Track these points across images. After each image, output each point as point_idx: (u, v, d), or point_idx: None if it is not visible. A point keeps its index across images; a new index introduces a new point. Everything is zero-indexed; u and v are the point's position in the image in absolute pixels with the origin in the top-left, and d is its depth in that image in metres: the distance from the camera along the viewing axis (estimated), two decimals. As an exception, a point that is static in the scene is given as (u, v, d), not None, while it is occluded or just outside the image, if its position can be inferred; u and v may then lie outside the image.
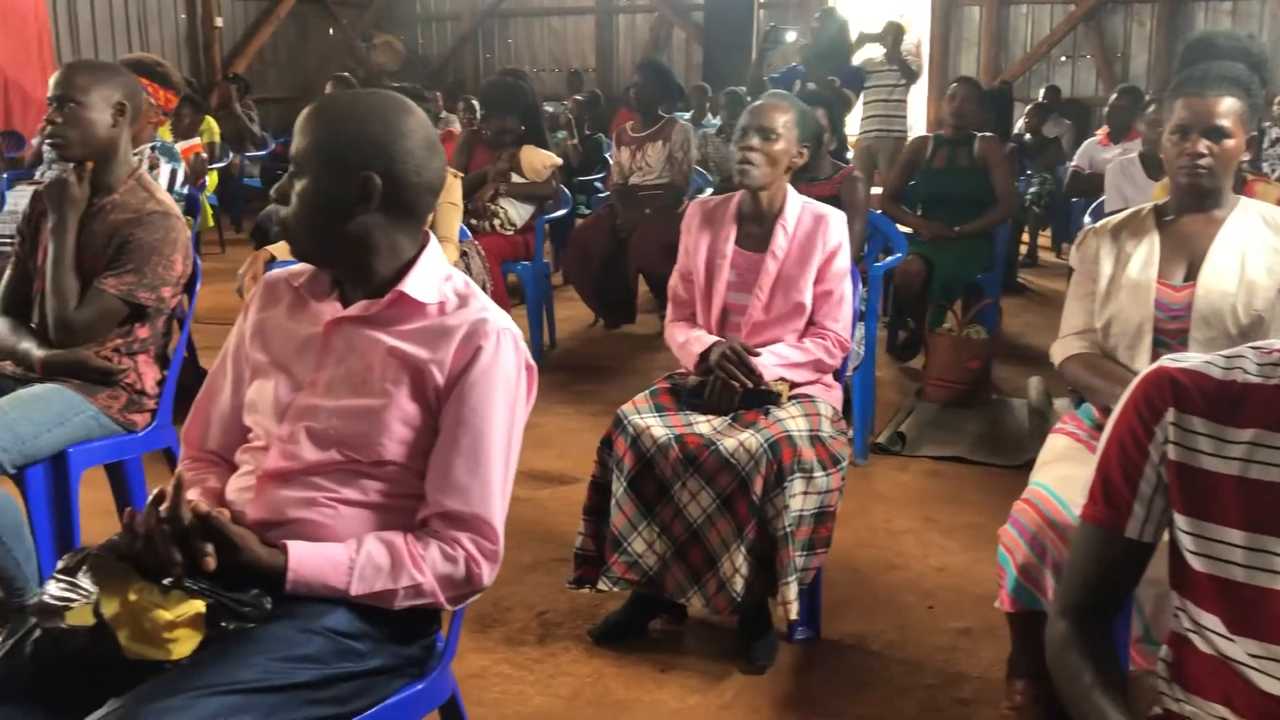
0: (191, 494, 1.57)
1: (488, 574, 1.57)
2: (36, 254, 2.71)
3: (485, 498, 1.56)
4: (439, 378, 1.57)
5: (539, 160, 5.25)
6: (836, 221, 2.79)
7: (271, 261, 3.90)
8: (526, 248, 5.28)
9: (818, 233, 2.77)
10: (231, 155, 9.09)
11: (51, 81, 2.64)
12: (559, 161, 5.45)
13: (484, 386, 1.57)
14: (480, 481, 1.56)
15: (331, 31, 13.83)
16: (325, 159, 1.54)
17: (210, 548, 1.38)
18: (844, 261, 2.79)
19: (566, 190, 5.75)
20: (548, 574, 2.98)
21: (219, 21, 12.20)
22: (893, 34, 7.78)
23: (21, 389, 2.56)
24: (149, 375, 2.72)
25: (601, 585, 2.55)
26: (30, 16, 10.33)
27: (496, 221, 5.14)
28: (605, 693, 2.46)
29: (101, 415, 2.60)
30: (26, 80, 10.19)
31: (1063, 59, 12.15)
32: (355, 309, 1.61)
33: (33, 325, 2.71)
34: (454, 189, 4.00)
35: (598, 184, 7.98)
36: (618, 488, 2.54)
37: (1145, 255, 2.28)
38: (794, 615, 2.46)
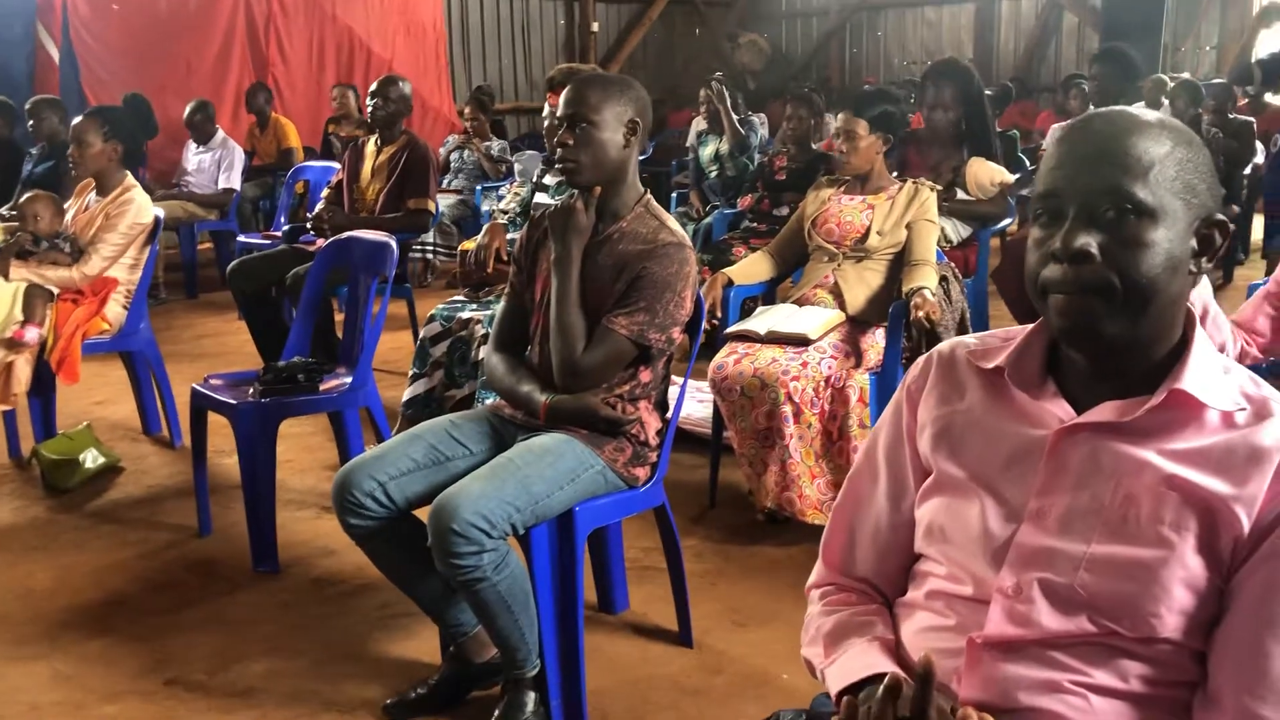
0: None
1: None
2: (534, 286, 2.49)
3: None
4: (1243, 522, 1.09)
5: (986, 175, 4.48)
6: None
7: (729, 285, 3.58)
8: (966, 264, 4.66)
9: None
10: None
11: (562, 99, 2.39)
12: (1011, 179, 4.68)
13: None
14: (1311, 683, 1.07)
15: (698, 32, 13.75)
16: (1189, 200, 1.12)
17: (970, 773, 0.98)
18: None
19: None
20: None
21: (595, 26, 12.38)
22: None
23: (526, 437, 2.33)
24: (650, 424, 2.42)
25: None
26: (430, 27, 10.87)
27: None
28: None
29: (608, 470, 2.32)
30: (425, 88, 10.69)
31: None
32: (1102, 412, 1.16)
33: (525, 361, 2.50)
34: (930, 204, 3.48)
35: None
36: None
37: None
38: None
